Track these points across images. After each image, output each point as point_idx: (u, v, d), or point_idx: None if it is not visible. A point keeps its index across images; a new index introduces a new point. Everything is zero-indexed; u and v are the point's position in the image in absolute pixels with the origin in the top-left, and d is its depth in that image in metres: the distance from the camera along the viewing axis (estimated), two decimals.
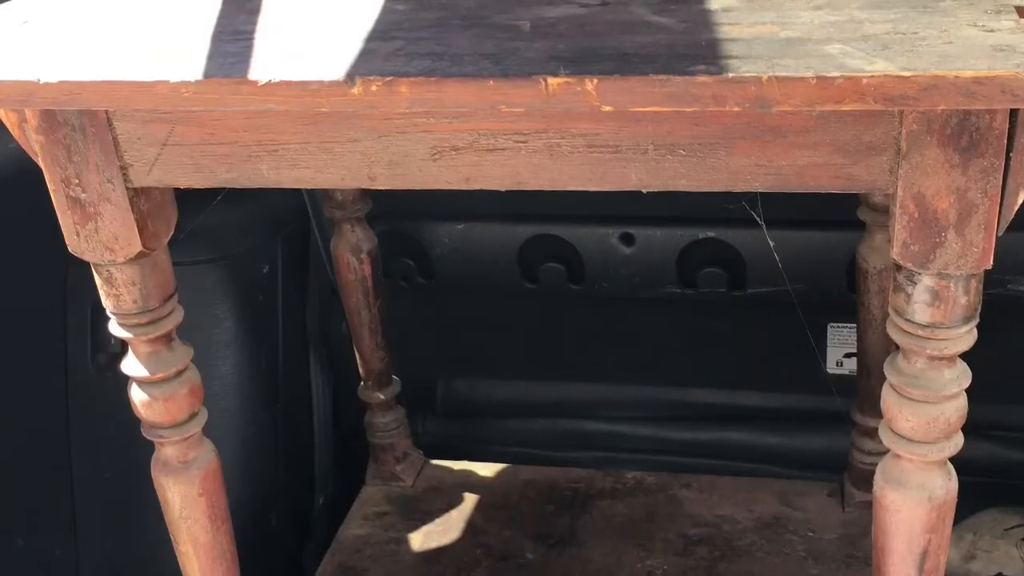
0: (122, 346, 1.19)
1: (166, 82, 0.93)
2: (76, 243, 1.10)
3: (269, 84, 0.91)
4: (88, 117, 1.01)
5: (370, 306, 1.67)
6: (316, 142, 1.00)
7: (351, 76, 0.90)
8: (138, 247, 1.08)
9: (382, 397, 1.77)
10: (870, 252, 1.50)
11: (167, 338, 1.17)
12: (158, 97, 0.93)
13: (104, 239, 1.08)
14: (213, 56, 0.96)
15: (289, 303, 1.88)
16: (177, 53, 0.98)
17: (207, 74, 0.93)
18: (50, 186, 1.07)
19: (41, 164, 1.06)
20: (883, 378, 1.03)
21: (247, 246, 1.79)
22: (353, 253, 1.63)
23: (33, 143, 1.05)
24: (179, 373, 1.18)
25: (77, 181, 1.05)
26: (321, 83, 0.90)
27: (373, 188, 1.03)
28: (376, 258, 1.65)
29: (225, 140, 1.01)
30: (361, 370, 1.76)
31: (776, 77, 0.84)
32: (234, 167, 1.03)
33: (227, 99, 0.93)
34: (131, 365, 1.18)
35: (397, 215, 1.81)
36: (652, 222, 1.73)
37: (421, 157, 0.99)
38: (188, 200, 1.15)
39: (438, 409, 2.07)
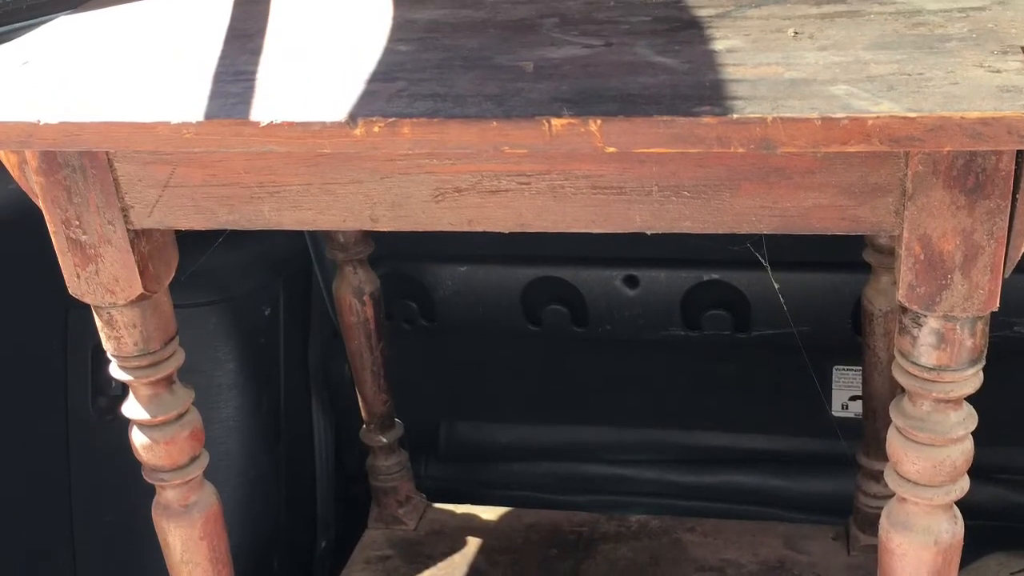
0: (123, 389, 1.18)
1: (167, 123, 0.92)
2: (76, 285, 1.09)
3: (271, 125, 0.91)
4: (89, 158, 1.01)
5: (372, 349, 1.66)
6: (318, 183, 1.00)
7: (353, 117, 0.89)
8: (139, 289, 1.08)
9: (384, 440, 1.76)
10: (876, 294, 1.49)
11: (168, 381, 1.16)
12: (159, 138, 0.93)
13: (105, 281, 1.08)
14: (215, 97, 0.96)
15: (291, 346, 1.87)
16: (179, 94, 0.97)
17: (208, 115, 0.92)
18: (50, 228, 1.06)
19: (41, 206, 1.05)
20: (889, 421, 1.02)
21: (248, 288, 1.79)
22: (355, 295, 1.62)
23: (33, 184, 1.04)
24: (180, 416, 1.18)
25: (78, 223, 1.05)
26: (323, 124, 0.90)
27: (375, 230, 1.03)
28: (378, 300, 1.65)
29: (226, 181, 1.01)
30: (363, 413, 1.75)
31: (781, 118, 0.84)
32: (235, 209, 1.03)
33: (229, 140, 0.92)
34: (132, 408, 1.17)
35: (399, 257, 1.80)
36: (656, 264, 1.72)
37: (424, 199, 0.99)
38: (189, 242, 1.15)
39: (441, 452, 2.06)
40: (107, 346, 1.14)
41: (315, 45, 1.07)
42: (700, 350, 1.80)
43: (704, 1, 1.09)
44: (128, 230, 1.05)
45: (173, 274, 1.13)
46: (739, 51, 0.96)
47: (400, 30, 1.08)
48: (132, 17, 1.20)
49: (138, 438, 1.18)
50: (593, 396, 1.93)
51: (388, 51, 1.02)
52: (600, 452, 2.00)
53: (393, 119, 0.89)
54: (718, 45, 0.98)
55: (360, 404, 1.74)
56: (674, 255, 1.71)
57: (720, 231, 0.96)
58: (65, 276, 1.09)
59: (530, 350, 1.91)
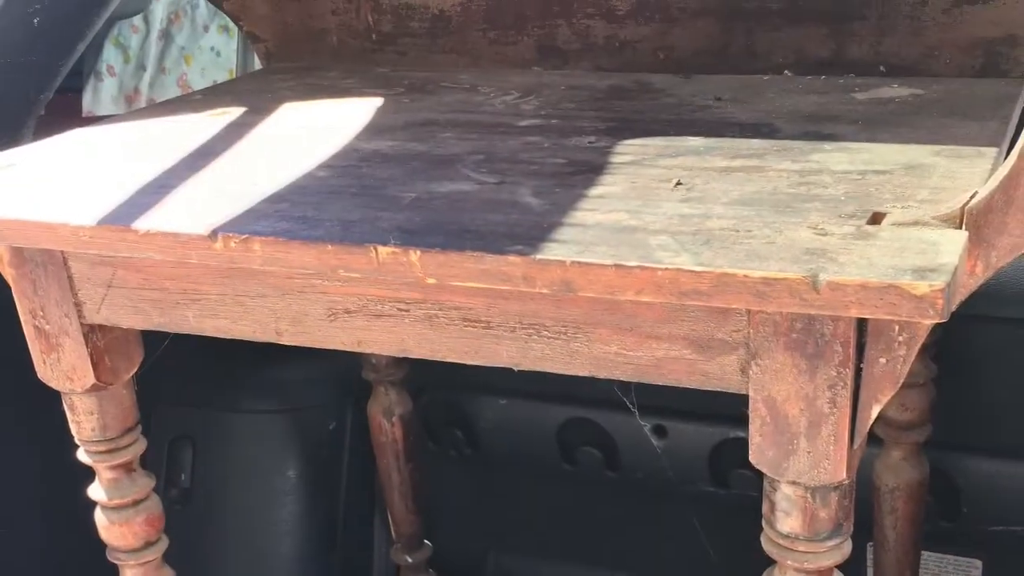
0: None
1: (67, 224, 1.01)
2: (43, 370, 1.18)
3: (147, 233, 0.98)
4: (47, 255, 1.11)
5: (400, 469, 1.70)
6: (231, 294, 1.06)
7: (215, 232, 0.96)
8: (92, 380, 1.16)
9: (410, 560, 1.78)
10: (884, 469, 1.43)
11: (127, 468, 1.23)
12: (59, 238, 1.02)
13: (65, 369, 1.17)
14: (126, 205, 1.04)
15: (356, 460, 1.92)
16: (111, 201, 1.06)
17: (101, 221, 1.00)
18: (20, 316, 1.16)
19: (14, 294, 1.16)
20: None
21: (316, 402, 1.86)
22: (385, 416, 1.67)
23: (7, 275, 1.15)
24: (137, 502, 1.24)
25: (42, 313, 1.15)
26: (189, 236, 0.97)
27: (282, 343, 1.08)
28: (409, 422, 1.69)
29: (157, 286, 1.09)
30: (392, 532, 1.78)
31: (578, 262, 0.85)
32: (165, 312, 1.10)
33: (116, 244, 1.00)
34: (95, 489, 1.25)
35: (445, 385, 1.84)
36: (684, 416, 1.70)
37: (319, 317, 1.03)
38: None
39: None
40: (72, 429, 1.23)
41: (253, 166, 1.14)
42: (729, 508, 1.75)
43: (632, 149, 1.10)
44: (82, 324, 1.14)
45: (135, 369, 1.21)
46: (608, 197, 0.97)
47: (338, 157, 1.14)
48: (128, 133, 1.32)
49: (99, 518, 1.26)
50: (626, 543, 1.89)
51: (306, 176, 1.09)
52: None
53: (246, 236, 0.95)
54: (596, 191, 0.99)
55: (390, 522, 1.77)
56: (703, 409, 1.68)
57: (579, 374, 0.97)
58: (34, 361, 1.19)
59: (566, 489, 1.90)
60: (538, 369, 0.98)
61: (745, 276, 0.81)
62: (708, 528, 1.80)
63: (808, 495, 0.92)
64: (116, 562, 1.28)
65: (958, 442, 1.58)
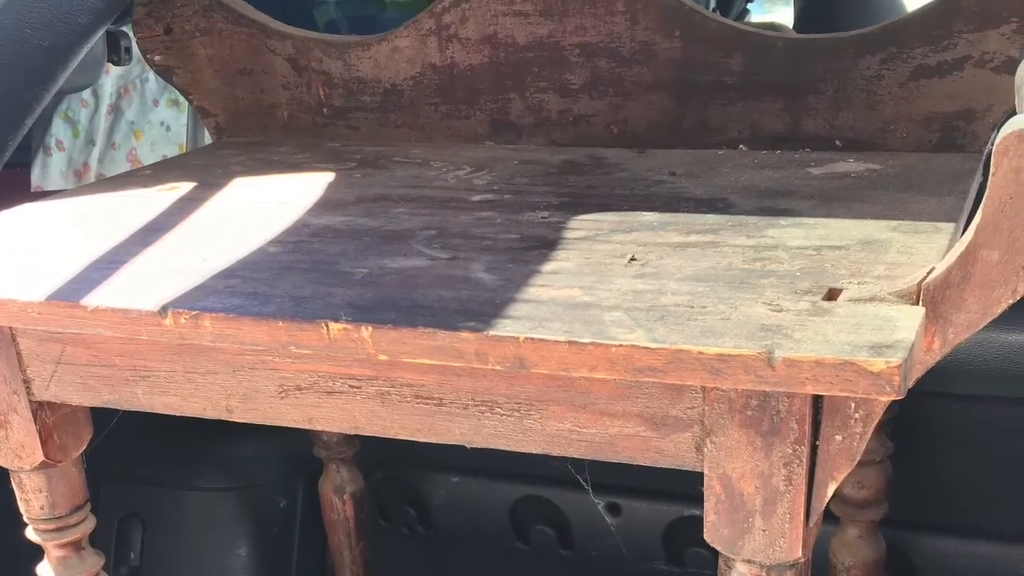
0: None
1: (15, 300, 1.00)
2: None
3: (96, 309, 0.97)
4: None
5: (351, 547, 1.68)
6: (181, 371, 1.05)
7: (164, 308, 0.95)
8: (41, 457, 1.14)
9: None
10: (840, 547, 1.43)
11: (76, 546, 1.22)
12: (8, 314, 1.01)
13: (13, 446, 1.15)
14: (75, 281, 1.03)
15: (307, 538, 1.90)
16: (57, 276, 1.04)
17: (50, 297, 0.99)
18: None
19: None
20: None
21: (267, 479, 1.84)
22: (336, 493, 1.66)
23: None
24: None
25: None
26: (139, 312, 0.96)
27: (232, 420, 1.07)
28: (361, 500, 1.67)
29: (106, 363, 1.07)
30: None
31: (531, 338, 0.84)
32: (115, 389, 1.09)
33: (64, 320, 0.99)
34: (44, 568, 1.23)
35: (397, 462, 1.83)
36: (639, 494, 1.69)
37: (270, 394, 1.02)
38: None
39: None
40: (20, 507, 1.21)
41: (203, 241, 1.13)
42: None
43: (585, 224, 1.10)
44: (30, 401, 1.13)
45: (84, 446, 1.19)
46: (561, 273, 0.97)
47: (289, 233, 1.13)
48: (77, 208, 1.31)
49: None
50: None
51: (257, 252, 1.08)
52: None
53: (196, 312, 0.94)
54: (549, 266, 0.99)
55: None
56: (657, 487, 1.67)
57: (533, 451, 0.96)
58: None
59: (519, 567, 1.88)
60: (491, 446, 0.97)
61: (700, 353, 0.81)
62: None
63: (764, 574, 0.91)
64: None
65: (915, 520, 1.58)
